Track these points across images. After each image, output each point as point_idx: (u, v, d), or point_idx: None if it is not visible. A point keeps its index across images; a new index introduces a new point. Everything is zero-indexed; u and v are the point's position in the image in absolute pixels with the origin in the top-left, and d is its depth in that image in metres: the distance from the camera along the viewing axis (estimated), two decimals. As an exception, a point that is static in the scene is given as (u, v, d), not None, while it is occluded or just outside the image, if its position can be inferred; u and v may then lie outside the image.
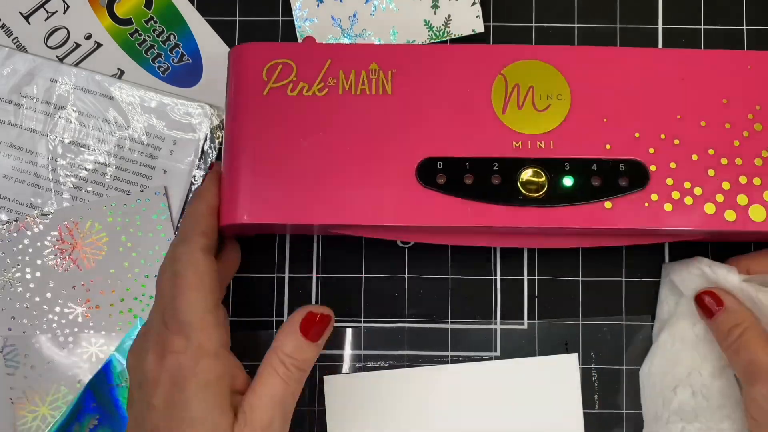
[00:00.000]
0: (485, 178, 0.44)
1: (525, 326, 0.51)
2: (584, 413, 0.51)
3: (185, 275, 0.41)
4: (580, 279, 0.51)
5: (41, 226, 0.51)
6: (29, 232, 0.51)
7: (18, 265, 0.51)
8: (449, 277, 0.51)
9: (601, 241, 0.46)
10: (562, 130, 0.44)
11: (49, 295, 0.51)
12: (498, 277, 0.51)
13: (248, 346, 0.49)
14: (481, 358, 0.51)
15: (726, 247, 0.51)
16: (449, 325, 0.51)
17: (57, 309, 0.51)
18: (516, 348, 0.51)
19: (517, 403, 0.50)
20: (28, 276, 0.51)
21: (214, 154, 0.52)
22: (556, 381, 0.50)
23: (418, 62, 0.45)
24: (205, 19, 0.53)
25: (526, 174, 0.44)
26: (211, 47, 0.52)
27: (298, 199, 0.44)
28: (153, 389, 0.40)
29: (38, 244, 0.51)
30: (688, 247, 0.50)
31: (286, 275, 0.52)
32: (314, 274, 0.52)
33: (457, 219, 0.43)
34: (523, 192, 0.44)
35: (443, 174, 0.44)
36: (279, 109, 0.44)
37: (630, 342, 0.51)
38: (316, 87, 0.44)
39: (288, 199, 0.44)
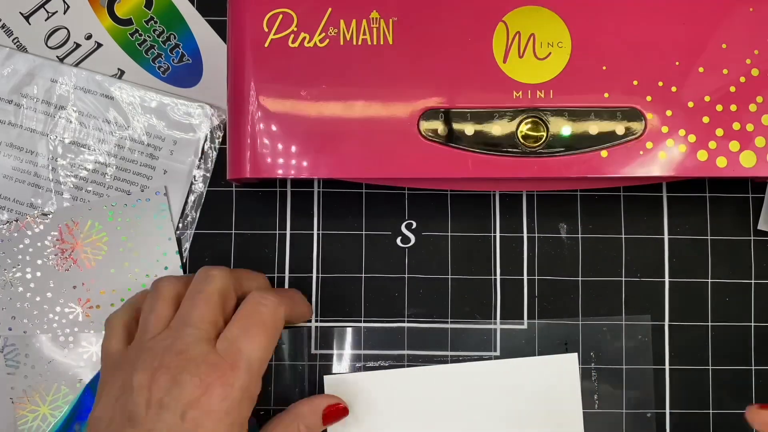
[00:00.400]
0: (486, 129, 0.45)
1: (525, 326, 0.51)
2: (584, 413, 0.51)
3: (267, 322, 0.43)
4: (579, 279, 0.51)
5: (41, 226, 0.52)
6: (29, 232, 0.51)
7: (18, 264, 0.51)
8: (449, 277, 0.51)
9: (597, 183, 0.48)
10: (562, 78, 0.45)
11: (49, 294, 0.51)
12: (498, 277, 0.51)
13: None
14: (480, 358, 0.51)
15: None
16: (449, 325, 0.51)
17: (57, 309, 0.51)
18: (516, 348, 0.51)
19: (517, 402, 0.50)
20: (29, 276, 0.51)
21: (215, 154, 0.52)
22: (556, 381, 0.50)
23: (419, 10, 0.45)
24: (205, 19, 0.53)
25: (526, 125, 0.45)
26: (211, 47, 0.52)
27: (301, 152, 0.45)
28: (185, 411, 0.39)
29: (38, 244, 0.51)
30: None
31: (286, 275, 0.52)
32: (314, 275, 0.52)
33: (457, 171, 0.45)
34: (523, 142, 0.45)
35: (444, 125, 0.45)
36: (281, 62, 0.45)
37: (630, 342, 0.51)
38: (318, 38, 0.45)
39: (290, 153, 0.45)
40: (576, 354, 0.51)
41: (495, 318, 0.51)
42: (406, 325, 0.51)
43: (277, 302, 0.44)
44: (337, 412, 0.47)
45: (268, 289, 0.45)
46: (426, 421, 0.50)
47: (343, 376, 0.51)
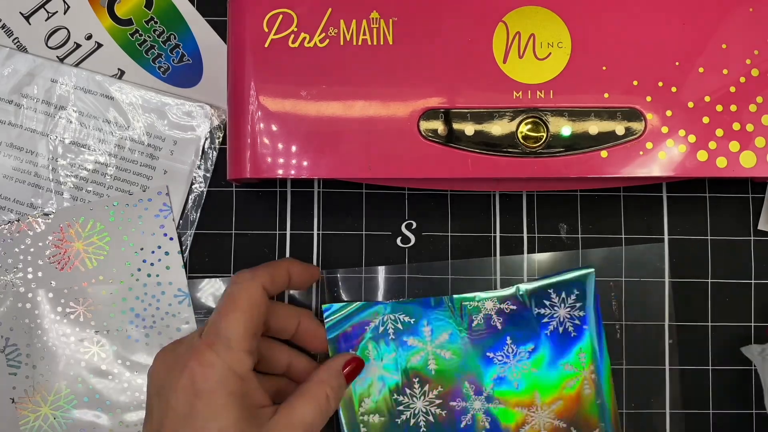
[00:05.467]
0: (486, 129, 0.45)
1: (525, 326, 0.51)
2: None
3: (238, 298, 0.43)
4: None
5: (43, 226, 0.52)
6: (30, 232, 0.52)
7: (19, 265, 0.51)
8: (449, 277, 0.51)
9: (597, 183, 0.48)
10: (561, 79, 0.45)
11: (50, 295, 0.51)
12: (498, 277, 0.51)
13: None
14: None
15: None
16: (449, 325, 0.51)
17: (58, 309, 0.51)
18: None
19: None
20: (30, 276, 0.51)
21: (215, 154, 0.52)
22: None
23: (419, 10, 0.45)
24: (205, 19, 0.53)
25: (526, 125, 0.45)
26: (211, 47, 0.52)
27: (300, 153, 0.45)
28: (178, 397, 0.41)
29: (40, 244, 0.51)
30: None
31: (287, 275, 0.52)
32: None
33: (457, 171, 0.45)
34: (523, 143, 0.45)
35: (444, 125, 0.45)
36: (281, 62, 0.45)
37: (630, 342, 0.51)
38: (318, 38, 0.45)
39: (290, 153, 0.45)
40: (593, 269, 0.51)
41: (495, 318, 0.51)
42: (406, 324, 0.51)
43: (249, 278, 0.44)
44: (357, 366, 0.48)
45: (255, 267, 0.45)
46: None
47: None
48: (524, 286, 0.50)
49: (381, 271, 0.51)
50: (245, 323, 0.42)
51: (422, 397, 0.49)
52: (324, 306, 0.50)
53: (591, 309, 0.49)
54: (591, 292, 0.50)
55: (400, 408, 0.49)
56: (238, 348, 0.42)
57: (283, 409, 0.43)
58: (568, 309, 0.49)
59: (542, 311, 0.49)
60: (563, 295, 0.49)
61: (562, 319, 0.49)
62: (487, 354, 0.49)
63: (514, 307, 0.50)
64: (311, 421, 0.43)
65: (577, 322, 0.49)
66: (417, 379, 0.49)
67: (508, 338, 0.49)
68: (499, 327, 0.49)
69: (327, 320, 0.50)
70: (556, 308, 0.49)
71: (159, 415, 0.42)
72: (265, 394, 0.44)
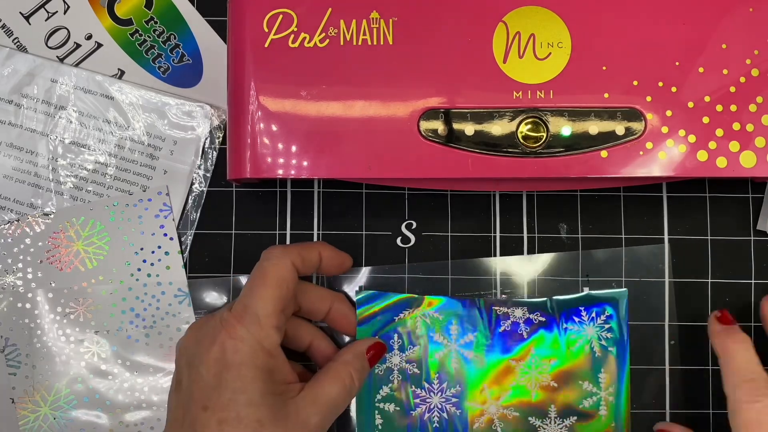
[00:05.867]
0: (486, 129, 0.45)
1: (525, 326, 0.51)
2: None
3: (268, 274, 0.44)
4: (579, 279, 0.51)
5: (43, 226, 0.52)
6: (30, 232, 0.52)
7: (19, 265, 0.51)
8: (449, 277, 0.51)
9: (597, 183, 0.48)
10: (561, 79, 0.45)
11: (50, 295, 0.51)
12: (498, 277, 0.51)
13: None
14: (481, 358, 0.51)
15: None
16: (449, 325, 0.51)
17: (58, 309, 0.51)
18: (516, 347, 0.51)
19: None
20: (30, 276, 0.51)
21: (215, 154, 0.52)
22: None
23: (419, 10, 0.45)
24: (205, 19, 0.53)
25: (526, 125, 0.45)
26: (211, 47, 0.52)
27: (301, 152, 0.45)
28: (208, 368, 0.42)
29: (39, 243, 0.51)
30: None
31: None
32: (314, 274, 0.52)
33: (457, 171, 0.45)
34: (523, 143, 0.45)
35: (444, 125, 0.45)
36: (281, 62, 0.45)
37: (630, 342, 0.51)
38: (318, 38, 0.45)
39: (290, 153, 0.45)
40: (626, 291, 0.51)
41: (495, 318, 0.51)
42: (406, 324, 0.51)
43: (280, 255, 0.45)
44: (379, 351, 0.49)
45: (286, 245, 0.48)
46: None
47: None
48: (556, 299, 0.50)
49: (381, 271, 0.51)
50: (274, 299, 0.44)
51: (439, 394, 0.50)
52: (358, 296, 0.50)
53: (618, 333, 0.50)
54: (624, 317, 0.50)
55: (417, 401, 0.50)
56: (266, 323, 0.43)
57: (309, 386, 0.44)
58: (597, 329, 0.49)
59: (570, 326, 0.49)
60: (593, 313, 0.50)
61: (588, 338, 0.49)
62: (510, 361, 0.50)
63: (543, 319, 0.50)
64: (336, 399, 0.45)
65: (604, 343, 0.49)
66: (437, 375, 0.50)
67: (532, 348, 0.49)
68: (525, 336, 0.50)
69: (359, 306, 0.50)
70: (584, 325, 0.49)
71: (189, 384, 0.43)
72: (292, 371, 0.45)
